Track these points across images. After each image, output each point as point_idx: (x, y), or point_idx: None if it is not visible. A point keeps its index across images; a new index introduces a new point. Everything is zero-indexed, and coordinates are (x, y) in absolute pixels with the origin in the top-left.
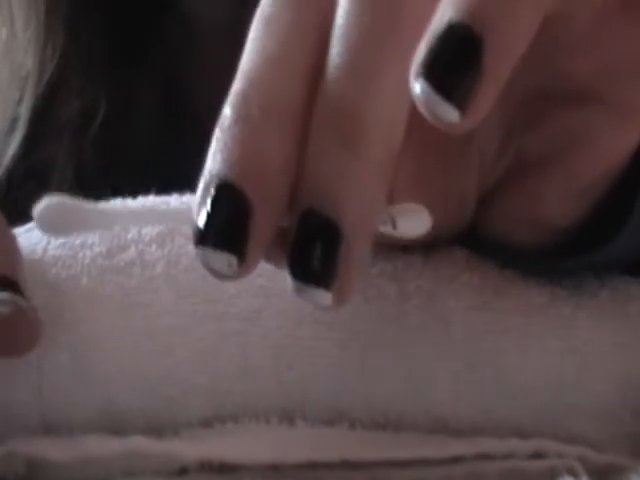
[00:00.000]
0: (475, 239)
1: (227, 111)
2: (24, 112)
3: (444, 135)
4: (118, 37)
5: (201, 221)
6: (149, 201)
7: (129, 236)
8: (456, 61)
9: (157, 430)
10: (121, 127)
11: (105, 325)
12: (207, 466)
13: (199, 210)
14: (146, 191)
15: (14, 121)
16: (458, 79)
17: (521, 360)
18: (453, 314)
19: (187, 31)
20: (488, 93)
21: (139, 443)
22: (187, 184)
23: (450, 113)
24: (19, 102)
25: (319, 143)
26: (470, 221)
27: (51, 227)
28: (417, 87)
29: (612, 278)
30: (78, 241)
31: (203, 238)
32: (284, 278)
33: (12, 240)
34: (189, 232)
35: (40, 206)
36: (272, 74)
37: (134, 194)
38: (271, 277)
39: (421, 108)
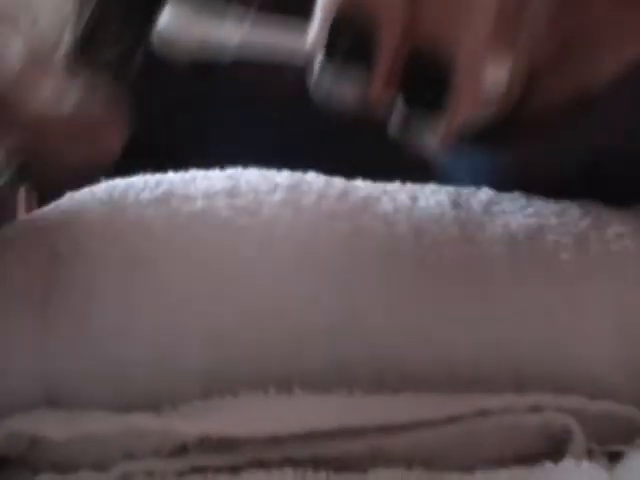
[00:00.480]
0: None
1: None
2: (60, 56)
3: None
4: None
5: (329, 40)
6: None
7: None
8: None
9: (156, 404)
10: (157, 75)
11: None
12: (206, 443)
13: (322, 31)
14: (180, 140)
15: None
16: None
17: (509, 294)
18: (442, 248)
19: None
20: None
21: (138, 420)
22: (220, 133)
23: None
24: (56, 46)
25: None
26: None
27: (173, 38)
28: None
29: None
30: None
31: (332, 55)
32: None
33: None
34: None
35: (164, 16)
36: None
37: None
38: (265, 229)
39: None
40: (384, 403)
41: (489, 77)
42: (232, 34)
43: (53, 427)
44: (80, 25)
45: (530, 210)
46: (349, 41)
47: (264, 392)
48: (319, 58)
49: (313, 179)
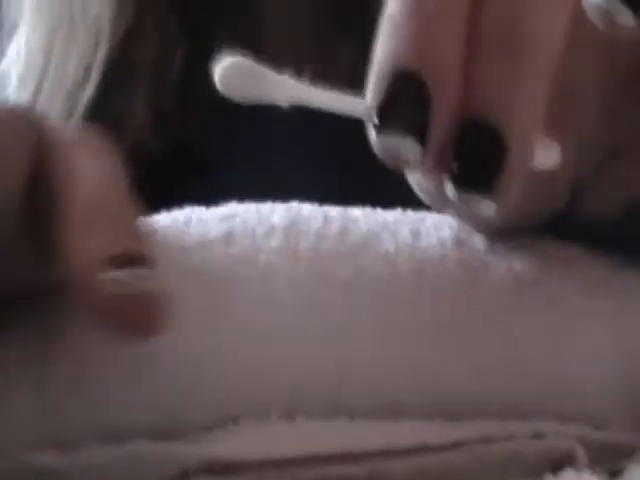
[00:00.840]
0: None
1: (396, 8)
2: (99, 59)
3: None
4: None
5: (380, 109)
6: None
7: None
8: None
9: (159, 436)
10: (198, 72)
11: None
12: (208, 468)
13: (377, 99)
14: (225, 135)
15: (88, 68)
16: None
17: (514, 337)
18: (444, 292)
19: (260, 35)
20: None
21: (140, 446)
22: (263, 124)
23: (627, 16)
24: (95, 49)
25: (485, 52)
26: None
27: (231, 88)
28: None
29: (602, 253)
30: None
31: (384, 125)
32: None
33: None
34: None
35: (221, 66)
36: None
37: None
38: (264, 278)
39: (596, 15)
40: (385, 428)
41: (539, 165)
42: (287, 93)
43: (55, 456)
44: (118, 29)
45: (535, 251)
46: (402, 116)
47: (266, 419)
48: (373, 126)
49: (310, 216)
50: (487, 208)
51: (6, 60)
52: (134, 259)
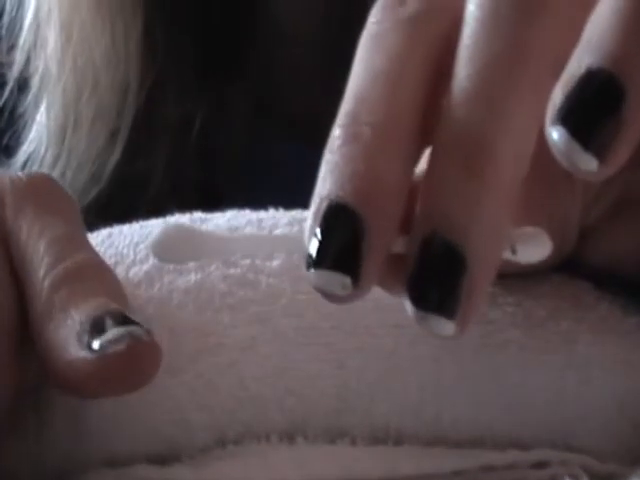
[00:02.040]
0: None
1: (336, 132)
2: (125, 123)
3: (551, 160)
4: (212, 44)
5: (314, 244)
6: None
7: None
8: (596, 110)
9: (159, 461)
10: (218, 133)
11: None
12: None
13: (310, 234)
14: (243, 197)
15: (114, 133)
16: (597, 128)
17: (520, 375)
18: None
19: (278, 34)
20: (628, 142)
21: (138, 470)
22: (284, 186)
23: (588, 162)
24: (119, 114)
25: (443, 168)
26: (568, 256)
27: (167, 256)
28: (554, 134)
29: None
30: None
31: (316, 261)
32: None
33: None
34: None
35: (157, 234)
36: (381, 90)
37: (232, 200)
38: (264, 303)
39: (557, 155)
40: (387, 455)
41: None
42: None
43: None
44: (141, 93)
45: (544, 289)
46: (333, 251)
47: (266, 441)
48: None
49: None
50: (447, 329)
51: (33, 133)
52: (115, 317)
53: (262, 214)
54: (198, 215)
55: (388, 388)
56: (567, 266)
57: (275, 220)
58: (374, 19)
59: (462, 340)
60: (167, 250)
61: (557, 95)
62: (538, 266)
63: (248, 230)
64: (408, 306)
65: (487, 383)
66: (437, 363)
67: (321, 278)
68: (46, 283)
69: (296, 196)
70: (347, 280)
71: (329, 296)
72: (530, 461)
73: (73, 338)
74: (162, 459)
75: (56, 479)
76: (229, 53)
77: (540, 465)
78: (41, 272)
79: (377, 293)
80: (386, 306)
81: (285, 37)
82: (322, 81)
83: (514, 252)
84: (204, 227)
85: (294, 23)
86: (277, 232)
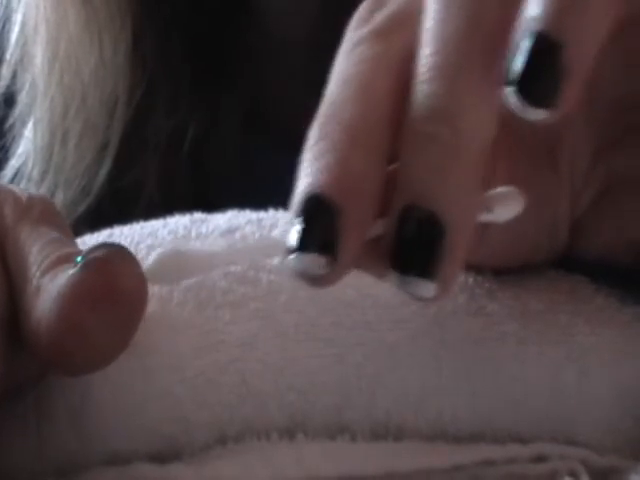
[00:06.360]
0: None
1: (310, 134)
2: (113, 137)
3: (535, 146)
4: (202, 55)
5: (293, 234)
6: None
7: None
8: (541, 69)
9: (160, 458)
10: (209, 145)
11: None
12: None
13: (290, 226)
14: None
15: (103, 147)
16: (543, 85)
17: (519, 368)
18: (448, 319)
19: (269, 44)
20: (573, 88)
21: (137, 468)
22: (275, 196)
23: (540, 114)
24: (108, 128)
25: (412, 140)
26: (562, 251)
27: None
28: (506, 93)
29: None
30: None
31: (296, 246)
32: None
33: None
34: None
35: (151, 263)
36: (349, 93)
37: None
38: (265, 299)
39: (512, 109)
40: (387, 451)
41: (501, 217)
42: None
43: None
44: (130, 107)
45: (541, 283)
46: (311, 234)
47: (266, 438)
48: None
49: None
50: (429, 291)
51: (21, 148)
52: None
53: (262, 214)
54: (198, 215)
55: (388, 384)
56: (562, 264)
57: (275, 220)
58: (348, 33)
59: (461, 334)
60: (160, 276)
61: (508, 59)
62: (532, 260)
63: (248, 230)
64: (391, 276)
65: (486, 377)
66: (437, 358)
67: (301, 261)
68: (37, 272)
69: (288, 207)
70: (323, 260)
71: (310, 279)
72: (530, 455)
73: None
74: (162, 457)
75: (57, 477)
76: (220, 64)
77: (540, 459)
78: (34, 267)
79: (376, 289)
80: (386, 302)
81: (277, 48)
82: (314, 92)
83: (490, 211)
84: (203, 228)
85: (286, 34)
86: (276, 232)
